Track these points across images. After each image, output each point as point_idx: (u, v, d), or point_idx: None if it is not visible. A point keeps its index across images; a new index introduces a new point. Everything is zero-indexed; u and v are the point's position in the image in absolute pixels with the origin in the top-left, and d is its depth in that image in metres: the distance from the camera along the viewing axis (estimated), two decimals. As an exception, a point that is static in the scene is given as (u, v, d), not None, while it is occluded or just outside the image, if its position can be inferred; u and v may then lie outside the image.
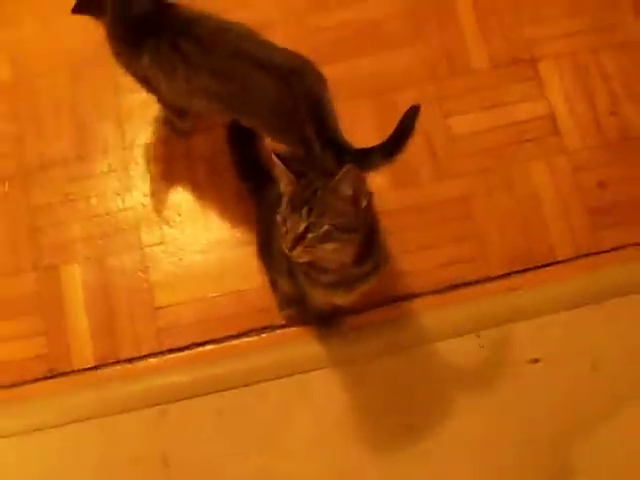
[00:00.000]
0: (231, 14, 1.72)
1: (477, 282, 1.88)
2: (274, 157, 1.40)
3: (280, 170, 1.39)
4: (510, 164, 2.00)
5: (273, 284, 1.88)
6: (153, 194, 2.05)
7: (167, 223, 2.02)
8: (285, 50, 1.68)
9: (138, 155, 2.08)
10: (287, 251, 1.38)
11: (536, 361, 1.83)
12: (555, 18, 2.12)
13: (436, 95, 2.06)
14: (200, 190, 2.04)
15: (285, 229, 1.37)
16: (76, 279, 1.99)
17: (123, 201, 2.05)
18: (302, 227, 1.35)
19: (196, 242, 2.00)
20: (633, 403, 1.79)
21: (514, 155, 2.01)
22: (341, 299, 1.65)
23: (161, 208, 2.04)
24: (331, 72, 2.08)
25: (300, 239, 1.36)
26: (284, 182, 1.40)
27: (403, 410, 1.82)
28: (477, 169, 1.98)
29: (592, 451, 1.72)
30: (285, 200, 1.39)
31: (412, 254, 1.93)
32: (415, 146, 1.98)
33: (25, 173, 2.09)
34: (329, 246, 1.38)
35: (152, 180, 2.06)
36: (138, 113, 2.10)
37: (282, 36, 2.07)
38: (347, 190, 1.36)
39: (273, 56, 1.66)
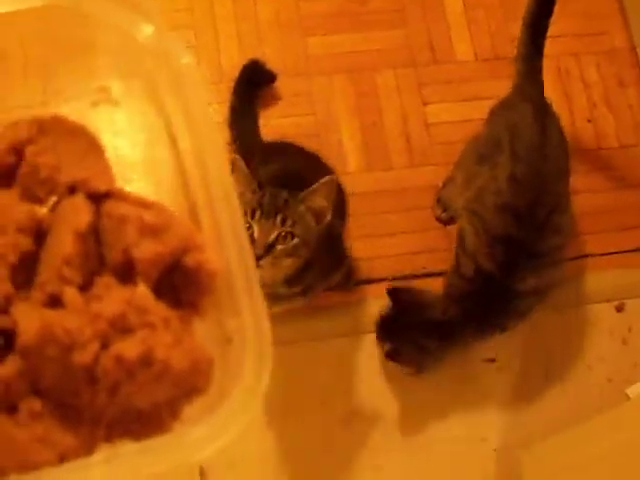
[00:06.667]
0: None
1: (440, 274, 1.83)
2: (237, 159, 1.35)
3: (242, 174, 1.35)
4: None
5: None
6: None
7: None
8: None
9: None
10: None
11: (492, 361, 1.80)
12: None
13: (416, 81, 2.01)
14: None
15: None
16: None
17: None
18: (274, 235, 1.31)
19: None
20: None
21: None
22: None
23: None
24: (313, 45, 2.03)
25: (270, 248, 1.31)
26: (243, 187, 1.35)
27: (350, 395, 1.77)
28: (450, 160, 1.93)
29: (538, 459, 1.69)
30: (249, 206, 1.33)
31: (377, 239, 1.87)
32: (391, 130, 1.94)
33: None
34: (289, 261, 1.35)
35: None
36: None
37: (264, 5, 2.01)
38: (321, 202, 1.34)
39: None
